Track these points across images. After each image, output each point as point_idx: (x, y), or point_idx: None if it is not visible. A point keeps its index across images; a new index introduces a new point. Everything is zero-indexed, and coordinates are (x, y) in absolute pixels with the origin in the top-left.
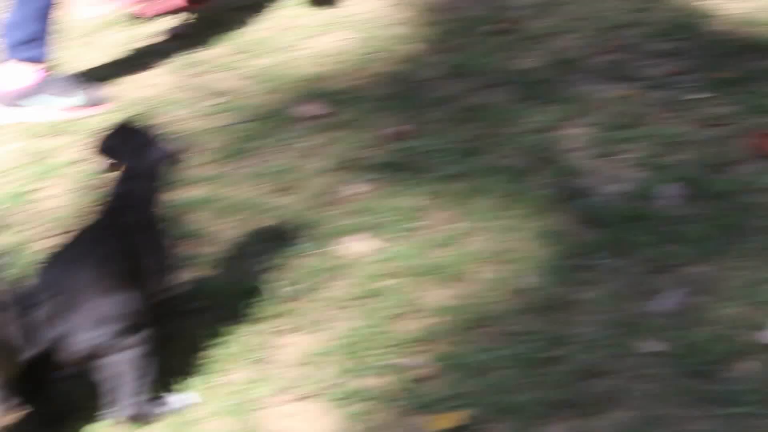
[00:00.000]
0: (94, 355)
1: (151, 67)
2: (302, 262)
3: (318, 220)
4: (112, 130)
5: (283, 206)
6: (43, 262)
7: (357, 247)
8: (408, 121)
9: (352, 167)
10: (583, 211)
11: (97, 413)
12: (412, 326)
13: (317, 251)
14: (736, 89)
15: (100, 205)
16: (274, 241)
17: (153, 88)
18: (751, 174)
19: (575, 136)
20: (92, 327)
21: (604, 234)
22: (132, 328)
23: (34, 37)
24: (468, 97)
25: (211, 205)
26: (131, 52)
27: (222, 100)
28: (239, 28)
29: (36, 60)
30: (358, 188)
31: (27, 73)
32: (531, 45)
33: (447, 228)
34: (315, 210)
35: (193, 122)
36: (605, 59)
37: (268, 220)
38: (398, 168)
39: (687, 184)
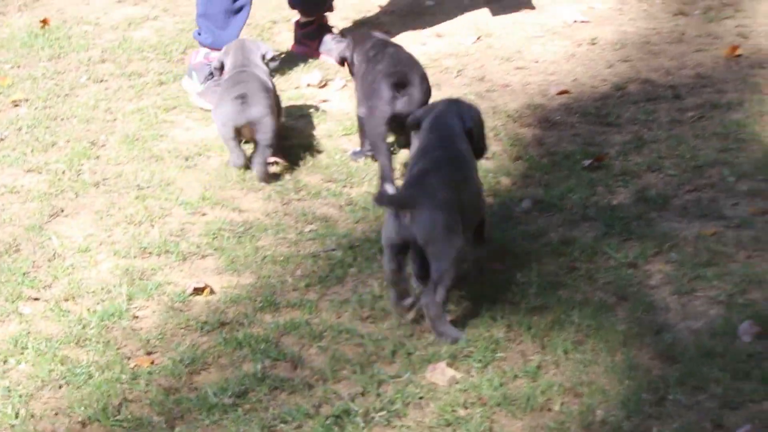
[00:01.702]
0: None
1: (243, 190)
2: (382, 389)
3: (398, 349)
4: None
5: (367, 334)
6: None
7: (435, 376)
8: (494, 255)
9: None
10: (659, 347)
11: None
12: None
13: (396, 379)
14: None
15: None
16: (355, 366)
17: (245, 213)
18: None
19: (656, 273)
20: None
21: (678, 369)
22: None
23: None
24: (553, 231)
25: (300, 330)
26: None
27: (313, 227)
28: (335, 155)
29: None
30: None
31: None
32: (618, 182)
33: (524, 360)
34: (395, 339)
35: (282, 248)
36: (690, 197)
37: (352, 347)
38: (480, 299)
39: (761, 322)
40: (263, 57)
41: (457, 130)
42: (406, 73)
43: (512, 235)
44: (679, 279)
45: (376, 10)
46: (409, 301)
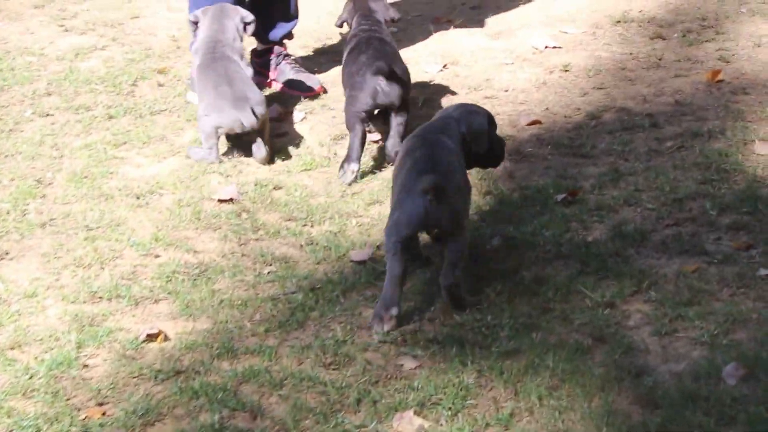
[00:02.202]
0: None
1: (198, 230)
2: None
3: (363, 397)
4: None
5: (330, 381)
6: None
7: (402, 426)
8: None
9: (400, 342)
10: (639, 391)
11: None
12: None
13: (362, 429)
14: None
15: None
16: (318, 415)
17: (200, 254)
18: None
19: (635, 313)
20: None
21: (659, 415)
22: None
23: None
24: (525, 270)
25: (260, 378)
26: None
27: (272, 268)
28: (295, 192)
29: None
30: (406, 364)
31: None
32: (594, 217)
33: (496, 407)
34: (360, 386)
35: (239, 291)
36: (670, 232)
37: (314, 395)
38: (449, 343)
39: (746, 364)
40: (242, 21)
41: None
42: (389, 68)
43: (482, 274)
44: (660, 319)
45: (338, 37)
46: (395, 311)
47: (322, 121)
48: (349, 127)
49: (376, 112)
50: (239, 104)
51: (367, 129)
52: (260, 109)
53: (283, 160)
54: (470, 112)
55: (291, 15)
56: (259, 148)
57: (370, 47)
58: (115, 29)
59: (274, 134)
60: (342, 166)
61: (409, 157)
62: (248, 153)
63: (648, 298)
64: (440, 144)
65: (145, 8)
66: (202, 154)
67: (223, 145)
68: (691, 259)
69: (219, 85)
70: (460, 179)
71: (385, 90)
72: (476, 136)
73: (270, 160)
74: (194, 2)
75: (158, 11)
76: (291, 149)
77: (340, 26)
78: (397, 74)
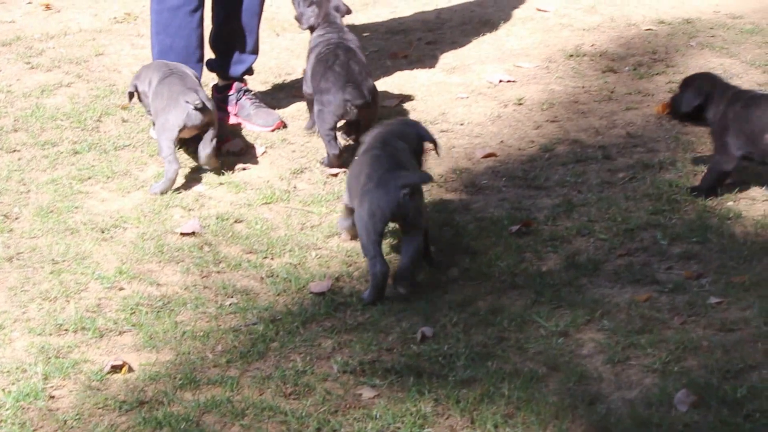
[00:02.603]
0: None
1: (161, 263)
2: None
3: (323, 426)
4: None
5: (290, 410)
6: None
7: None
8: (421, 324)
9: (359, 372)
10: (592, 419)
11: None
12: None
13: None
14: (750, 293)
15: None
16: None
17: (163, 287)
18: (764, 380)
19: (588, 341)
20: None
21: None
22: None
23: None
24: (481, 300)
25: (221, 408)
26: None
27: (233, 300)
28: (256, 225)
29: None
30: (364, 393)
31: None
32: (547, 247)
33: None
34: (320, 415)
35: (202, 323)
36: (622, 262)
37: (275, 425)
38: (407, 373)
39: (697, 391)
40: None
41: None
42: (359, 84)
43: (439, 304)
44: (612, 347)
45: (298, 73)
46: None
47: (282, 155)
48: (323, 137)
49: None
50: (190, 91)
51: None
52: (209, 104)
53: (245, 192)
54: (417, 123)
55: (251, 51)
56: (204, 147)
57: (340, 61)
58: (80, 66)
59: (236, 169)
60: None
61: (376, 156)
62: (210, 187)
63: (601, 327)
64: (400, 147)
65: (109, 46)
66: (161, 183)
67: (188, 178)
68: (643, 288)
69: (172, 85)
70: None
71: (354, 112)
72: (430, 141)
73: (215, 161)
74: (158, 52)
75: (122, 48)
76: (252, 183)
77: (310, 29)
78: (365, 95)
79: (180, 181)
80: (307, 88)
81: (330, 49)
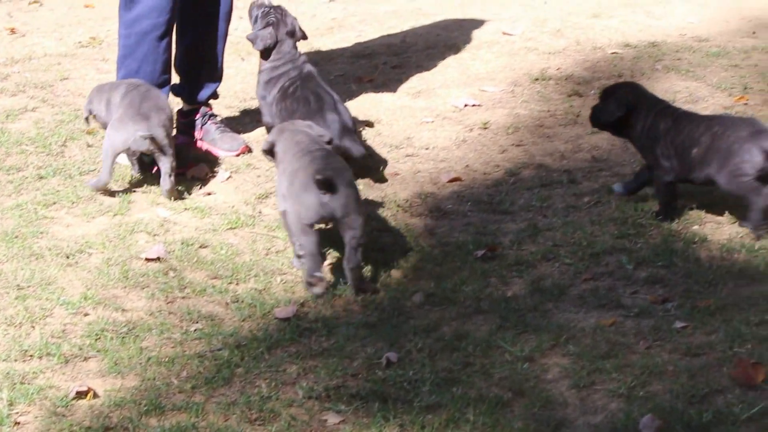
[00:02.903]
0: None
1: (127, 289)
2: None
3: None
4: None
5: None
6: None
7: None
8: (386, 350)
9: (324, 397)
10: None
11: None
12: None
13: None
14: (716, 318)
15: None
16: None
17: (128, 312)
18: (730, 405)
19: (553, 366)
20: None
21: None
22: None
23: None
24: (446, 325)
25: None
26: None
27: (199, 326)
28: (221, 251)
29: None
30: (330, 419)
31: None
32: (513, 272)
33: None
34: None
35: (167, 349)
36: (587, 286)
37: None
38: (372, 399)
39: (662, 416)
40: None
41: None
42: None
43: (404, 330)
44: (577, 372)
45: None
46: (320, 273)
47: (247, 180)
48: None
49: None
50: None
51: None
52: (160, 131)
53: (210, 217)
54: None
55: (216, 76)
56: (164, 183)
57: (307, 96)
58: (45, 91)
59: (203, 193)
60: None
61: (298, 156)
62: (175, 212)
63: (566, 352)
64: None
65: (74, 70)
66: (94, 182)
67: (153, 204)
68: (608, 312)
69: (128, 107)
70: (349, 175)
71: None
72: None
73: (176, 194)
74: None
75: (87, 73)
76: (216, 208)
77: (265, 54)
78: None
79: (145, 206)
80: (268, 119)
81: (294, 82)
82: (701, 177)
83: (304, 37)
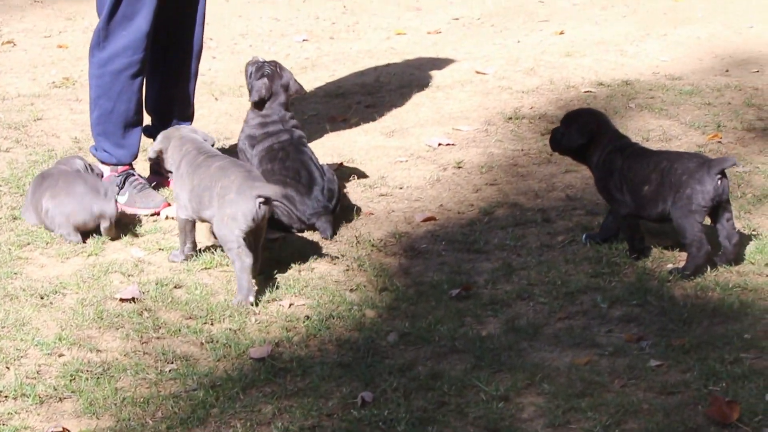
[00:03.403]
0: None
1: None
2: None
3: None
4: None
5: None
6: None
7: None
8: (361, 389)
9: None
10: None
11: None
12: None
13: None
14: (691, 356)
15: None
16: None
17: (103, 353)
18: None
19: (528, 405)
20: None
21: None
22: None
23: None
24: (421, 365)
25: None
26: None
27: (173, 366)
28: (195, 291)
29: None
30: None
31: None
32: (487, 311)
33: None
34: None
35: (142, 389)
36: (562, 325)
37: None
38: None
39: None
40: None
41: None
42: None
43: (379, 369)
44: (553, 411)
45: (236, 138)
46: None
47: None
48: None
49: None
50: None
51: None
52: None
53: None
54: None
55: (188, 114)
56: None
57: (298, 168)
58: (18, 131)
59: (177, 233)
60: None
61: (228, 169)
62: (150, 252)
63: (541, 391)
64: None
65: (48, 111)
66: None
67: (127, 244)
68: (583, 351)
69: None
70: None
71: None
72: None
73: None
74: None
75: (61, 114)
76: None
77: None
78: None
79: (119, 246)
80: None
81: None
82: (655, 214)
83: (300, 91)
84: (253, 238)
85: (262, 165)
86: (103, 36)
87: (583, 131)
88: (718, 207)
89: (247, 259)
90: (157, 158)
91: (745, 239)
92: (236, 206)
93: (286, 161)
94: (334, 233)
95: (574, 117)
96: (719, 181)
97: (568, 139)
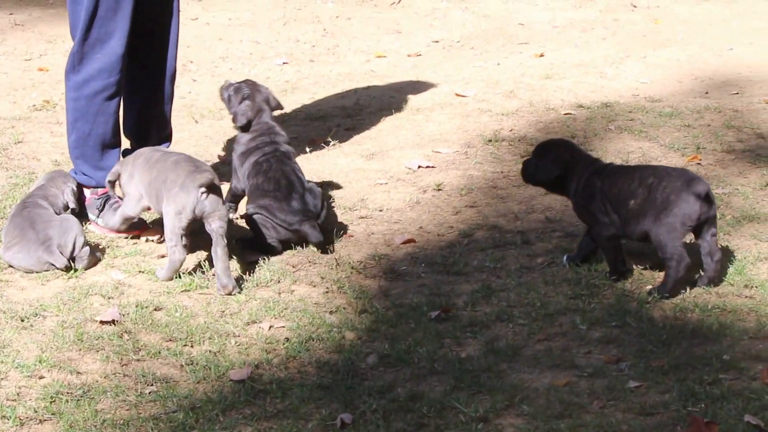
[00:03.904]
0: None
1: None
2: None
3: None
4: None
5: None
6: None
7: None
8: (341, 411)
9: None
10: None
11: None
12: None
13: None
14: (670, 377)
15: None
16: None
17: (83, 375)
18: None
19: (508, 427)
20: None
21: None
22: None
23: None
24: (400, 386)
25: None
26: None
27: (153, 388)
28: (175, 313)
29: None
30: None
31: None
32: (467, 333)
33: None
34: None
35: (122, 411)
36: (541, 347)
37: None
38: None
39: None
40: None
41: None
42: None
43: (358, 391)
44: None
45: (215, 159)
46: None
47: (199, 243)
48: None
49: None
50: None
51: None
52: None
53: (164, 281)
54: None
55: (165, 135)
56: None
57: (279, 178)
58: None
59: (156, 256)
60: None
61: (170, 162)
62: (130, 274)
63: (520, 412)
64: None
65: (29, 133)
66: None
67: (107, 266)
68: (562, 373)
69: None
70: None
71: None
72: None
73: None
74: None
75: (41, 136)
76: None
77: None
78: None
79: (99, 269)
80: (237, 184)
81: (267, 160)
82: (637, 231)
83: (279, 107)
84: (212, 228)
85: (249, 179)
86: (77, 59)
87: (557, 162)
88: (705, 222)
89: (180, 256)
90: (115, 180)
91: (724, 260)
92: (179, 200)
93: (269, 173)
94: (323, 238)
95: (546, 148)
96: (705, 201)
97: (543, 172)
